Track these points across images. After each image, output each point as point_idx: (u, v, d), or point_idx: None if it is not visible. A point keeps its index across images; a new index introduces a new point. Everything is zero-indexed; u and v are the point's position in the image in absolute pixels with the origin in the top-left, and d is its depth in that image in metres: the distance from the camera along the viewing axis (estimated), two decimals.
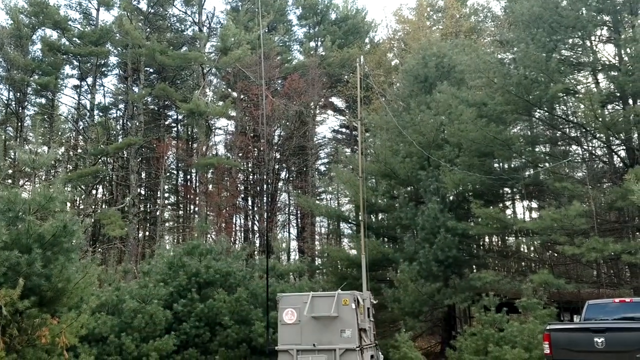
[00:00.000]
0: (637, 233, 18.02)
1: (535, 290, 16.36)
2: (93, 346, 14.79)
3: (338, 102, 42.23)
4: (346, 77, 37.00)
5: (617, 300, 11.63)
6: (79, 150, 37.29)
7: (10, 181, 29.67)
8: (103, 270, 17.43)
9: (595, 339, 9.39)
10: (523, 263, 23.06)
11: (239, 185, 38.05)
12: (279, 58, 38.96)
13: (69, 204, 30.52)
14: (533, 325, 15.60)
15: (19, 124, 35.79)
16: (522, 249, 23.69)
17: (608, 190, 18.09)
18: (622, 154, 18.96)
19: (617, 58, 18.25)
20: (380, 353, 15.37)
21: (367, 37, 42.95)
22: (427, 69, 22.71)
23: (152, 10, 37.85)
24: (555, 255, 20.07)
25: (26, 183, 30.94)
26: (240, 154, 37.05)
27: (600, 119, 16.81)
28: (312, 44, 41.87)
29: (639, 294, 15.98)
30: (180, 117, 40.25)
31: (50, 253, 11.59)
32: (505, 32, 22.61)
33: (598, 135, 18.64)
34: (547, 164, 19.72)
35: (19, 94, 36.08)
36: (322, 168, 41.97)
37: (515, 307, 16.88)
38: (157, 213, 36.60)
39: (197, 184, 37.72)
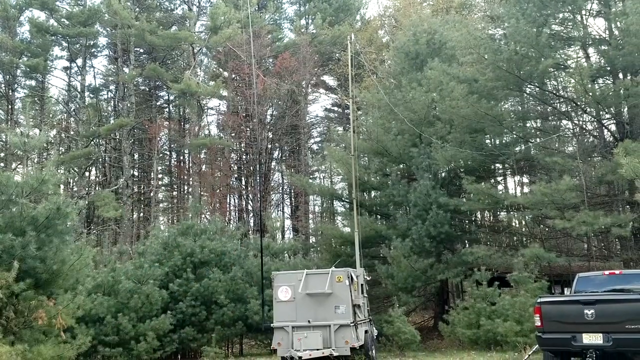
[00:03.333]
0: (627, 206, 18.20)
1: (526, 264, 16.61)
2: (90, 327, 14.96)
3: (330, 80, 42.07)
4: (337, 55, 36.80)
5: (606, 272, 11.77)
6: (71, 133, 37.09)
7: (2, 164, 29.58)
8: (98, 251, 17.54)
9: (585, 311, 9.55)
10: (514, 238, 23.31)
11: (232, 165, 38.04)
12: (269, 37, 38.67)
13: (62, 187, 30.50)
14: (524, 298, 15.88)
15: (9, 106, 35.49)
16: (513, 224, 23.93)
17: (598, 165, 18.25)
18: (613, 128, 19.09)
19: (607, 32, 18.25)
20: (374, 328, 15.62)
21: (357, 14, 42.58)
22: (418, 45, 22.65)
23: None
24: (546, 229, 20.29)
25: (18, 166, 30.80)
26: (232, 134, 36.96)
27: (591, 94, 16.88)
28: (303, 21, 41.51)
29: (628, 266, 16.22)
30: (171, 97, 40.00)
31: (45, 235, 11.65)
32: (496, 8, 22.51)
33: (588, 109, 18.73)
34: (537, 139, 19.84)
35: (8, 76, 35.71)
36: (315, 147, 41.97)
37: (506, 281, 17.16)
38: (151, 194, 36.61)
39: (190, 165, 37.69)
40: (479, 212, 24.43)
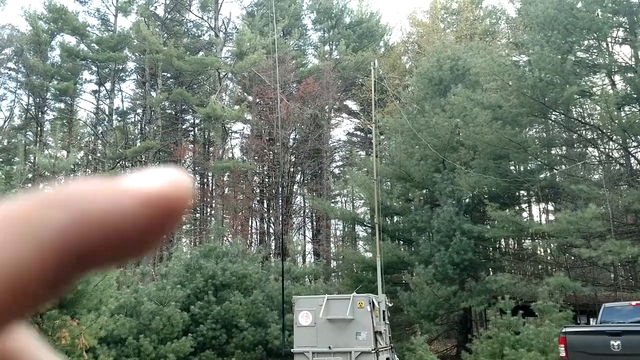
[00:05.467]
0: None
1: (551, 293, 16.30)
2: (112, 347, 15.02)
3: (353, 105, 42.32)
4: (361, 80, 37.07)
5: (633, 303, 11.54)
6: (98, 155, 37.81)
7: (30, 185, 30.17)
8: (121, 272, 17.68)
9: (612, 342, 9.37)
10: (539, 266, 22.96)
11: (254, 188, 38.28)
12: (293, 62, 39.15)
13: None
14: (549, 328, 15.54)
15: (39, 128, 36.38)
16: (538, 252, 23.58)
17: (625, 193, 17.97)
18: (639, 156, 18.82)
19: (633, 59, 18.15)
20: (396, 356, 15.41)
21: (381, 40, 43.00)
22: (441, 71, 22.71)
23: (169, 16, 38.31)
24: (572, 258, 19.96)
25: (46, 187, 31.37)
26: (256, 157, 37.28)
27: (617, 121, 16.71)
28: (327, 47, 42.00)
29: None
30: (197, 121, 40.62)
31: None
32: (520, 34, 22.54)
33: (614, 137, 18.53)
34: (563, 166, 19.65)
35: (38, 99, 36.69)
36: (337, 171, 42.06)
37: (531, 310, 16.84)
38: None
39: (214, 187, 38.02)
40: (503, 240, 24.15)
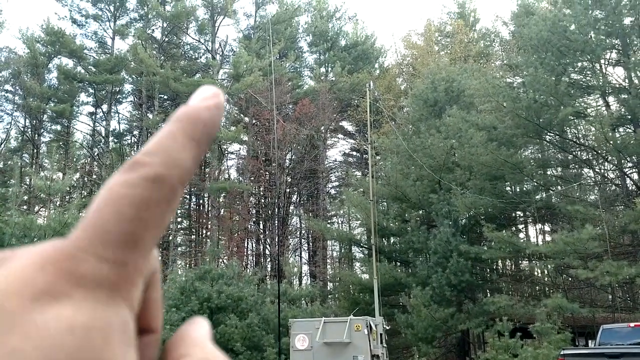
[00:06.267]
0: None
1: (549, 315, 16.20)
2: None
3: (348, 126, 42.51)
4: (356, 101, 37.27)
5: (632, 324, 11.46)
6: (94, 176, 37.73)
7: (25, 207, 30.04)
8: None
9: None
10: (537, 287, 22.87)
11: (250, 209, 38.20)
12: (290, 84, 39.38)
13: None
14: (547, 350, 15.40)
15: (35, 150, 36.34)
16: (535, 273, 23.51)
17: (621, 213, 17.99)
18: (635, 176, 18.91)
19: (627, 81, 18.29)
20: None
21: (376, 62, 43.37)
22: (436, 93, 22.87)
23: (166, 39, 38.59)
24: (569, 279, 19.89)
25: (41, 209, 31.26)
26: (252, 178, 37.27)
27: (612, 142, 16.80)
28: (323, 69, 42.32)
29: None
30: None
31: None
32: (514, 56, 22.76)
33: (610, 158, 18.61)
34: (558, 187, 19.69)
35: (35, 121, 36.71)
36: (333, 191, 42.05)
37: (529, 332, 16.72)
38: (170, 238, 36.78)
39: (210, 208, 37.94)
40: (500, 261, 24.08)
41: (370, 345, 13.04)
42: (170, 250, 35.35)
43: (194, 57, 41.41)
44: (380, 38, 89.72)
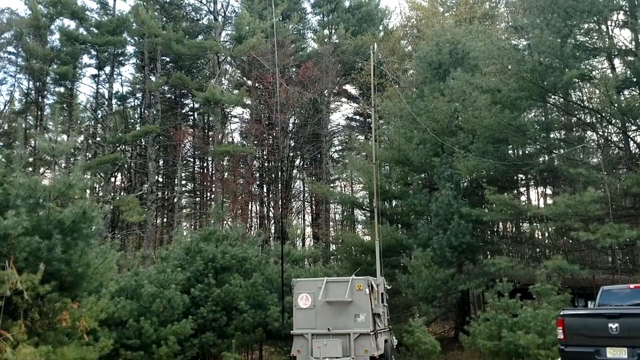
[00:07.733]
0: None
1: (549, 276, 16.40)
2: (112, 330, 15.11)
3: (352, 89, 42.20)
4: (360, 64, 36.92)
5: (631, 286, 11.60)
6: (98, 139, 37.79)
7: (30, 169, 30.21)
8: (122, 255, 17.76)
9: (610, 325, 9.42)
10: (537, 249, 23.06)
11: (254, 172, 38.32)
12: (293, 46, 38.97)
13: (88, 191, 31.02)
14: (547, 310, 15.67)
15: (39, 112, 36.29)
16: (536, 235, 23.68)
17: (623, 177, 18.00)
18: (638, 139, 18.84)
19: (633, 43, 18.08)
20: (394, 338, 15.58)
21: (380, 24, 42.72)
22: (440, 55, 22.64)
23: (168, 0, 38.03)
24: (570, 241, 20.05)
25: (46, 171, 31.44)
26: (255, 142, 37.27)
27: (616, 105, 16.69)
28: (326, 31, 41.77)
29: None
30: (196, 105, 40.50)
31: (70, 239, 11.80)
32: (520, 18, 22.40)
33: (614, 121, 18.53)
34: (561, 150, 19.68)
35: (38, 83, 36.55)
36: (336, 155, 42.08)
37: (529, 293, 16.96)
38: (175, 200, 37.05)
39: (213, 172, 38.06)
40: (501, 223, 24.26)
41: (371, 304, 13.29)
42: (175, 212, 35.63)
43: (196, 18, 40.91)
44: None
